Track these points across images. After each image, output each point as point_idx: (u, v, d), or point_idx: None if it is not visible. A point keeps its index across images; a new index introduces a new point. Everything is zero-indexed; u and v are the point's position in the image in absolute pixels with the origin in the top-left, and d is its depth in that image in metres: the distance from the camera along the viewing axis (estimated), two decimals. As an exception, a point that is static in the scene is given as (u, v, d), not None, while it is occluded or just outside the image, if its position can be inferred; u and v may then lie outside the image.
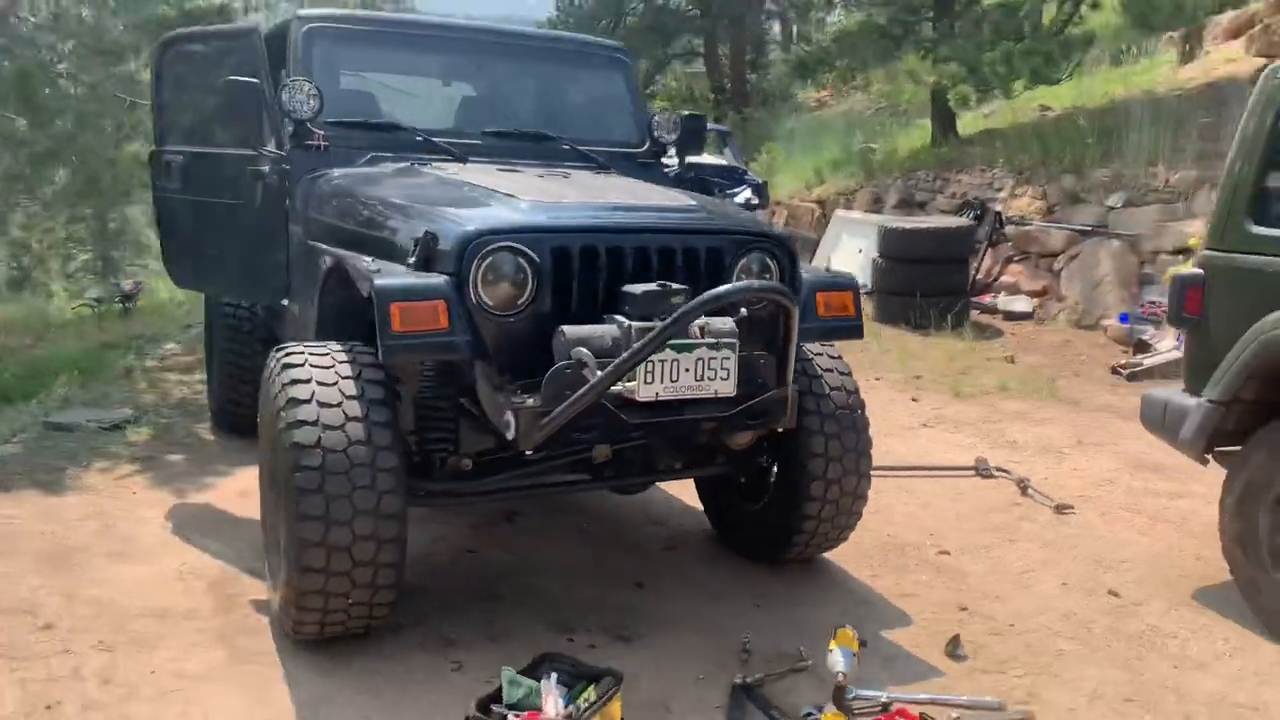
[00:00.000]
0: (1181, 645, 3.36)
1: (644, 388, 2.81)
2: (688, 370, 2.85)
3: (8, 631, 3.20)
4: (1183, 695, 3.03)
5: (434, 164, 3.85)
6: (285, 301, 4.07)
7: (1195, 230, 8.20)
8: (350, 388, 2.91)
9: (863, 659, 2.88)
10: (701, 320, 2.90)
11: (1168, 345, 7.40)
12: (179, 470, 4.87)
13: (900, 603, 3.64)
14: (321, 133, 3.85)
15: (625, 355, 2.67)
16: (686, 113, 4.61)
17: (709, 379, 2.87)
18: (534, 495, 3.96)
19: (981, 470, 5.04)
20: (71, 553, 3.85)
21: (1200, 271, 3.75)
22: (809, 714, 2.70)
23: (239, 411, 5.12)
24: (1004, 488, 4.89)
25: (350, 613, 2.95)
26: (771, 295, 2.89)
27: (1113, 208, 9.36)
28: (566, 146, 4.28)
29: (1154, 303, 8.08)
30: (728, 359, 2.90)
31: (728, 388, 2.91)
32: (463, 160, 3.97)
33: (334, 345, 3.06)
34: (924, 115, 13.21)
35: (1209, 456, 3.75)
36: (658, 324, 2.77)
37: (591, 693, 2.59)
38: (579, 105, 4.57)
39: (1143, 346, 7.79)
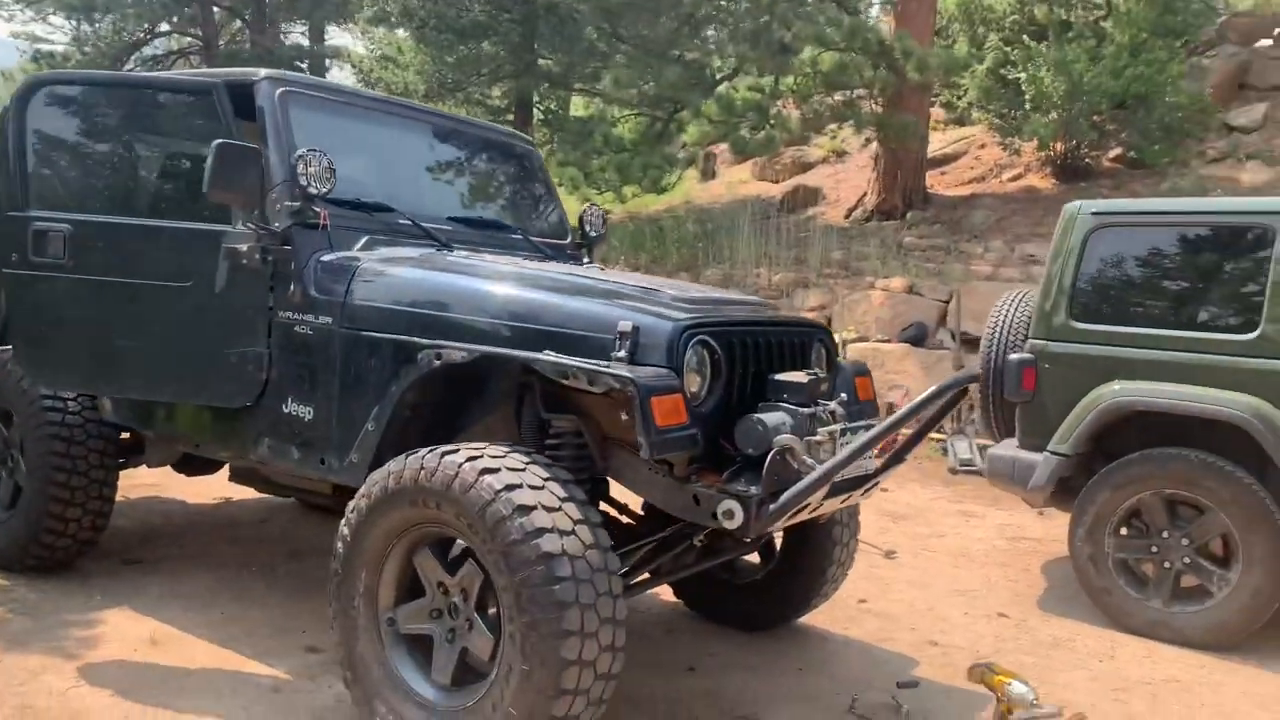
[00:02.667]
0: (1085, 644, 4.33)
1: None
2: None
3: None
4: (1124, 677, 3.96)
5: (459, 252, 3.63)
6: (246, 402, 3.46)
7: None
8: (559, 490, 2.74)
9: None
10: (832, 405, 3.22)
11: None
12: (30, 630, 3.70)
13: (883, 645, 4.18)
14: (325, 210, 3.42)
15: (863, 441, 2.91)
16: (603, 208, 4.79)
17: (868, 457, 3.20)
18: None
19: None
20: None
21: (1032, 356, 4.88)
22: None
23: (58, 545, 4.08)
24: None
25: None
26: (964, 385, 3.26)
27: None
28: (518, 236, 4.25)
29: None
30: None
31: (873, 464, 3.26)
32: (448, 247, 3.77)
33: (507, 447, 2.83)
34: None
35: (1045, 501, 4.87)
36: (825, 408, 3.06)
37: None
38: (513, 194, 4.52)
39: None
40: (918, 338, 9.60)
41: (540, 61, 14.85)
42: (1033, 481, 4.81)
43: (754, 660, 3.88)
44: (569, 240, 4.58)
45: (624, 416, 2.82)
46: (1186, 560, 4.44)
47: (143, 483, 5.59)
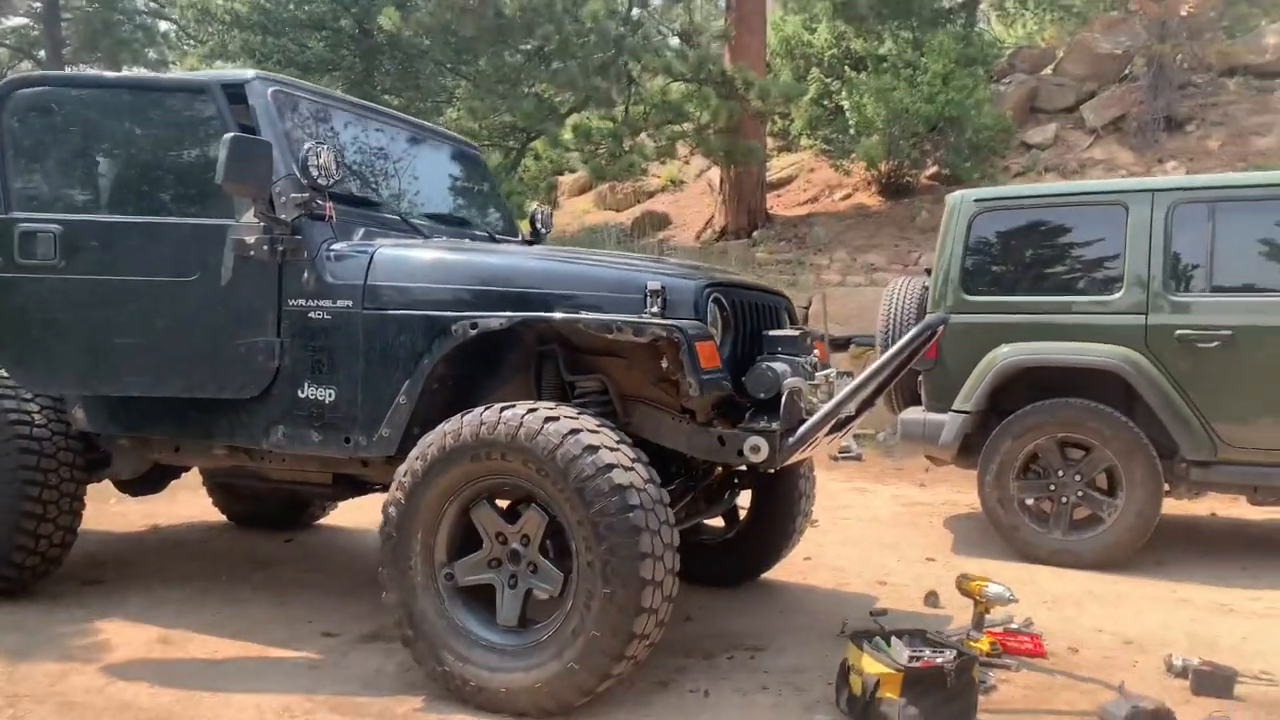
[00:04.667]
0: (1005, 574, 4.90)
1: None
2: None
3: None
4: (1048, 593, 4.54)
5: (443, 239, 3.84)
6: (255, 392, 3.52)
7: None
8: (613, 434, 3.01)
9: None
10: (812, 358, 3.64)
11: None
12: (29, 643, 3.57)
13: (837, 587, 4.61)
14: (330, 204, 3.56)
15: (863, 377, 3.31)
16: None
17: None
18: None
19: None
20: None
21: (933, 328, 5.49)
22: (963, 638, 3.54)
23: (28, 563, 3.94)
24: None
25: (639, 659, 2.96)
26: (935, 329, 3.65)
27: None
28: (482, 233, 4.47)
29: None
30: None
31: (852, 408, 3.68)
32: (429, 238, 3.96)
33: (553, 403, 3.08)
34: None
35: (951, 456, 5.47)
36: (809, 359, 3.48)
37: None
38: (469, 194, 4.73)
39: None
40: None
41: (384, 96, 14.87)
42: (942, 439, 5.40)
43: (739, 607, 4.22)
44: (519, 238, 4.83)
45: (664, 364, 3.13)
46: (1080, 494, 5.12)
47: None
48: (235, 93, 3.62)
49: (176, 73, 4.25)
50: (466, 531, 3.19)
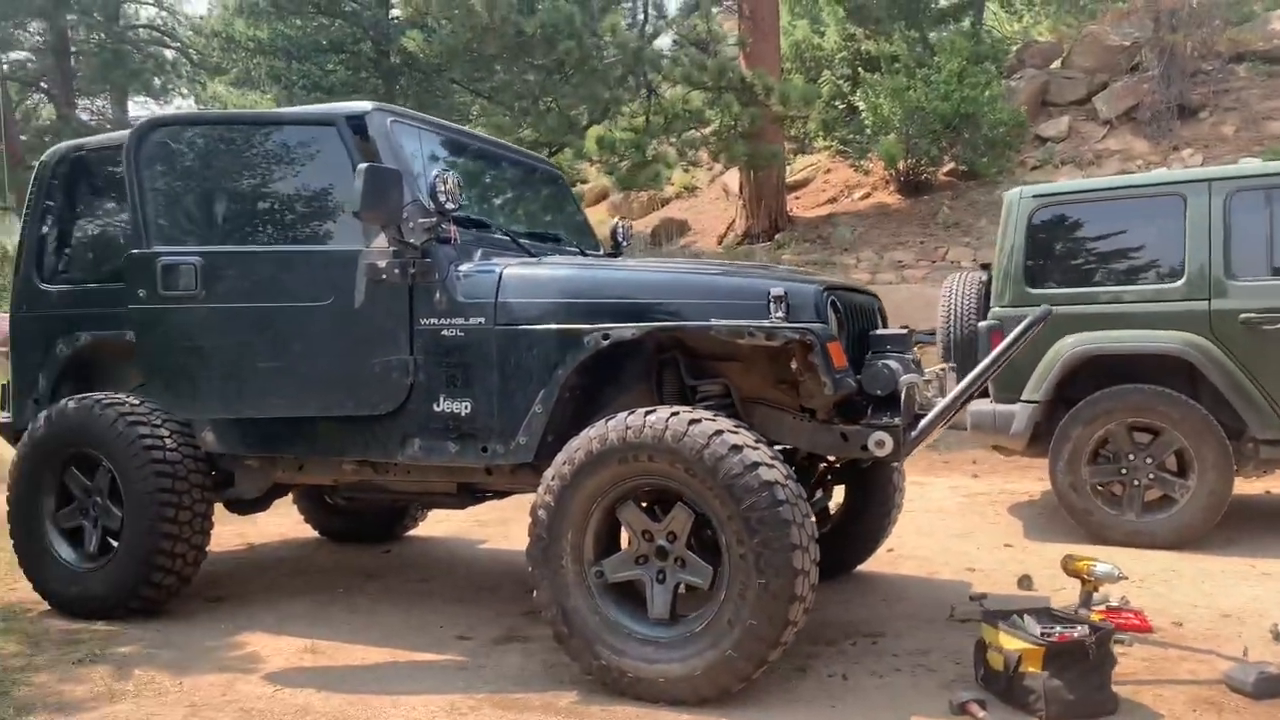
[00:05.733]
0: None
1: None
2: None
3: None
4: (1133, 573, 4.71)
5: (559, 257, 4.02)
6: (391, 408, 3.69)
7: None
8: (751, 434, 3.18)
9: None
10: (915, 354, 3.82)
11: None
12: (185, 658, 3.71)
13: (926, 572, 4.78)
14: (455, 228, 3.74)
15: (978, 370, 3.48)
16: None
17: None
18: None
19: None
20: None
21: (998, 321, 5.67)
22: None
23: (165, 583, 4.11)
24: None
25: (788, 645, 3.13)
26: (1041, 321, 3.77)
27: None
28: (575, 249, 4.65)
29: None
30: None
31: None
32: (535, 256, 4.14)
33: (689, 407, 3.24)
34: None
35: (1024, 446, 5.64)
36: (913, 356, 3.65)
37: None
38: (558, 212, 4.91)
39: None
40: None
41: (404, 116, 15.05)
42: (1014, 428, 5.58)
43: (844, 599, 4.38)
44: (601, 252, 5.01)
45: (794, 366, 3.30)
46: (1151, 476, 5.29)
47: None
48: (356, 124, 3.80)
49: (298, 108, 4.41)
50: (611, 531, 3.37)
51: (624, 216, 5.25)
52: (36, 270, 4.63)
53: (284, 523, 6.26)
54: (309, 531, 5.96)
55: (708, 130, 13.18)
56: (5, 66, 23.84)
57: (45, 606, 4.32)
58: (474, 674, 3.49)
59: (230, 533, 5.93)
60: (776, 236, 13.84)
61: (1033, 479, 7.54)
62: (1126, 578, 3.81)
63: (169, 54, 25.95)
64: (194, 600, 4.46)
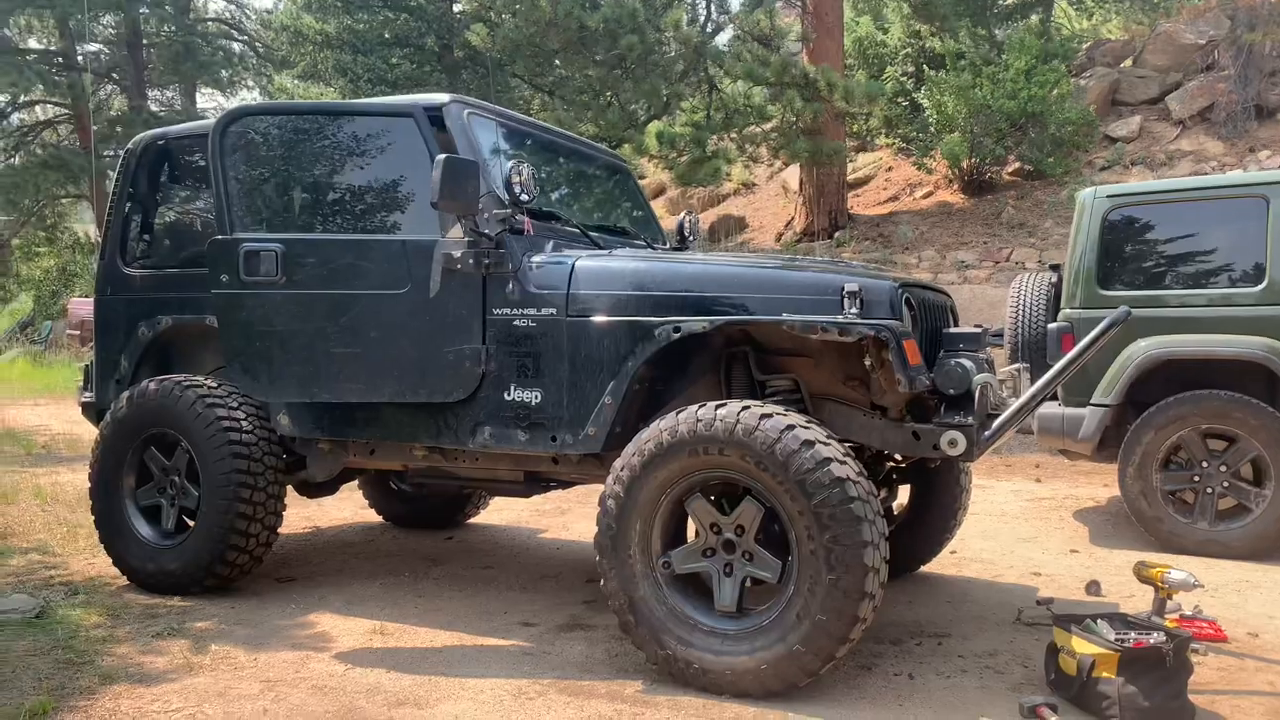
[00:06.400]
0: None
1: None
2: None
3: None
4: (1206, 582, 4.60)
5: (628, 249, 4.04)
6: (463, 396, 3.74)
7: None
8: (822, 429, 3.17)
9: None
10: (989, 353, 3.77)
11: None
12: (257, 635, 3.81)
13: (990, 577, 4.72)
14: (528, 219, 3.78)
15: (1054, 371, 3.43)
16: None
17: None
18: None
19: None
20: None
21: (1069, 324, 5.58)
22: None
23: (239, 561, 4.21)
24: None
25: (856, 642, 3.12)
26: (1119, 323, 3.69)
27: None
28: (641, 242, 4.66)
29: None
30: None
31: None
32: (607, 250, 4.15)
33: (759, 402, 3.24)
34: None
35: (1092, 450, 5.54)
36: (988, 355, 3.60)
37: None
38: (624, 204, 4.94)
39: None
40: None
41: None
42: (1082, 432, 5.49)
43: (908, 599, 4.35)
44: (668, 245, 5.01)
45: (867, 362, 3.28)
46: (1225, 484, 5.17)
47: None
48: (433, 116, 3.86)
49: (377, 99, 4.49)
50: (678, 524, 3.38)
51: (686, 212, 5.22)
52: (120, 255, 4.77)
53: (348, 508, 6.38)
54: (373, 517, 6.06)
55: (769, 126, 13.11)
56: (80, 58, 24.50)
57: (124, 581, 4.45)
58: (539, 660, 3.53)
59: (297, 517, 6.05)
60: (836, 234, 13.74)
61: (1098, 484, 7.41)
62: (1202, 586, 3.72)
63: (237, 47, 26.48)
64: (264, 580, 4.56)
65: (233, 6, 27.31)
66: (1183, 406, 5.20)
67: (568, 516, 6.26)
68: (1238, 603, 4.30)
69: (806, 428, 3.11)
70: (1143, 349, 5.31)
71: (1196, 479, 5.23)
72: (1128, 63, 15.06)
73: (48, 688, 3.20)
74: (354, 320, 3.77)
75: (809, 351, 3.58)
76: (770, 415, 3.12)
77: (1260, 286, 5.17)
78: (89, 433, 5.18)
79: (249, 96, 28.46)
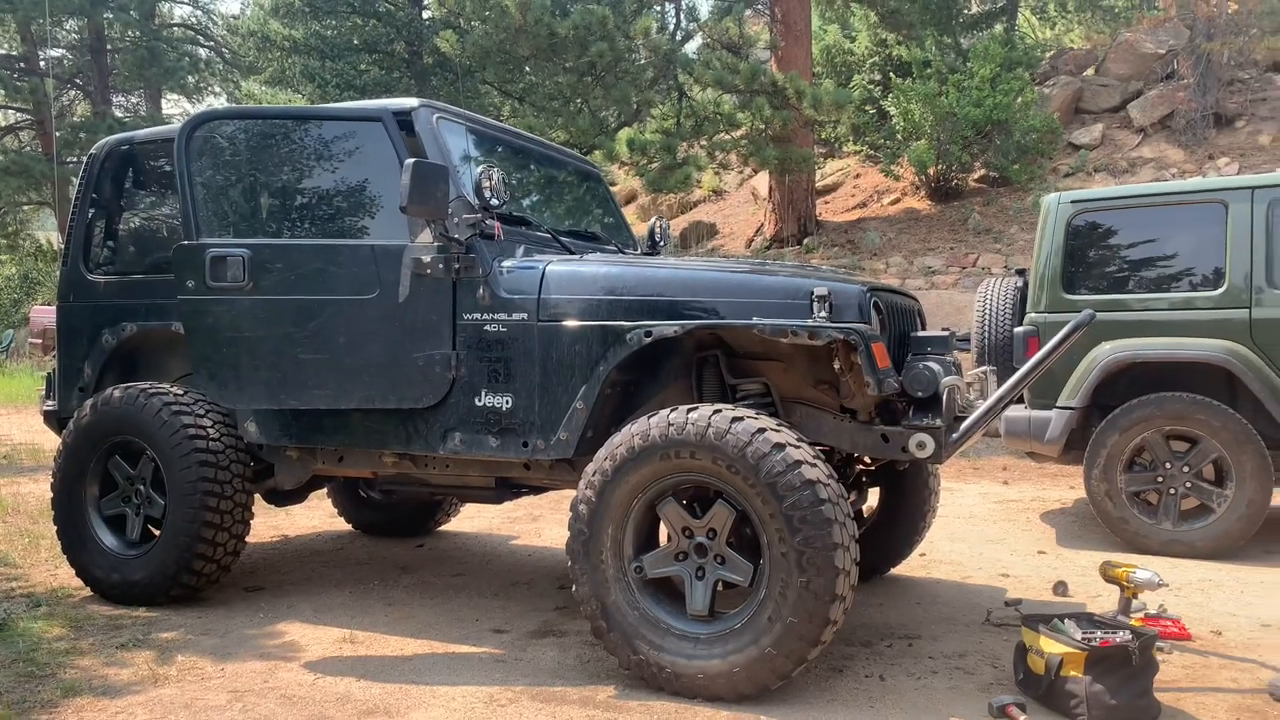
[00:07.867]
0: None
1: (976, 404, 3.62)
2: None
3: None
4: (1170, 581, 4.67)
5: (599, 254, 4.03)
6: (433, 401, 3.72)
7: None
8: (792, 432, 3.18)
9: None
10: (955, 357, 3.80)
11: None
12: (225, 645, 3.76)
13: (958, 578, 4.76)
14: (498, 224, 3.77)
15: (1020, 374, 3.46)
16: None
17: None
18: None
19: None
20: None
21: (1034, 328, 5.64)
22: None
23: (205, 570, 4.16)
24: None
25: (828, 644, 3.13)
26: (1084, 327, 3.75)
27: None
28: (613, 248, 4.67)
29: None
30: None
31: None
32: (578, 255, 4.15)
33: (730, 405, 3.25)
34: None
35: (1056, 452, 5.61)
36: (954, 360, 3.64)
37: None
38: (594, 211, 4.94)
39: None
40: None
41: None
42: (1048, 435, 5.55)
43: (877, 601, 4.37)
44: (639, 251, 5.02)
45: (836, 366, 3.30)
46: (1188, 485, 5.25)
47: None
48: (402, 120, 3.84)
49: (345, 104, 4.47)
50: (650, 528, 3.38)
51: (656, 218, 5.22)
52: (84, 261, 4.71)
53: (317, 516, 6.32)
54: (342, 526, 6.01)
55: (738, 133, 13.17)
56: (43, 63, 24.17)
57: (87, 591, 4.38)
58: (510, 667, 3.51)
59: (264, 525, 5.99)
60: (805, 240, 13.82)
61: (1064, 486, 7.50)
62: (1167, 585, 3.78)
63: (203, 53, 26.23)
64: (232, 589, 4.51)
65: (199, 12, 27.01)
66: (1146, 409, 5.27)
67: (540, 523, 6.24)
68: (1201, 601, 4.36)
69: (778, 431, 3.12)
70: (1107, 352, 5.39)
71: (1160, 480, 5.31)
72: (1090, 71, 15.29)
73: (8, 701, 3.15)
74: (322, 326, 3.74)
75: (779, 355, 3.60)
76: (741, 419, 3.13)
77: (1220, 290, 5.26)
78: (51, 442, 5.10)
79: (215, 102, 28.24)
